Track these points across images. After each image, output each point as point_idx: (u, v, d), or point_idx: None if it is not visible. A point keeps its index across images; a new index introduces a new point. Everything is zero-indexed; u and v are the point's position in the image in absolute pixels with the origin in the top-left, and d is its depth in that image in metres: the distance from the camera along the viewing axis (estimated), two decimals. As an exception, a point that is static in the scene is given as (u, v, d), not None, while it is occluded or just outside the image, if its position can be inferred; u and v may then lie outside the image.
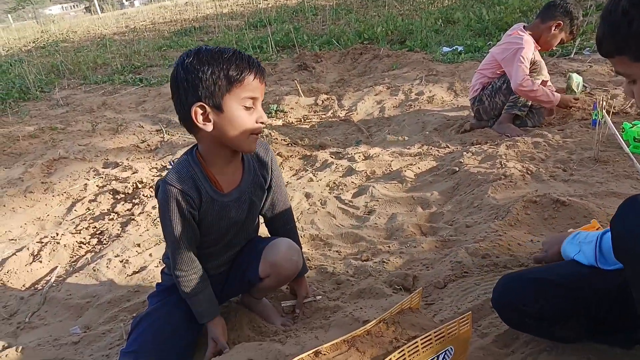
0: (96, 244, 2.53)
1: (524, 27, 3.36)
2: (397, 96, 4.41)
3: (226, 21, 10.37)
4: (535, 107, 3.40)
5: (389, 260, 2.02)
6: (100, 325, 1.85)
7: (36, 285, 2.23)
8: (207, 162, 1.50)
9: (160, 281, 1.74)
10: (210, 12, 12.80)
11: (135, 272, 2.18)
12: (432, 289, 1.77)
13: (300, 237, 2.27)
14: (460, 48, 5.65)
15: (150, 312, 1.58)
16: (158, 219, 2.64)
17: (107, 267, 2.23)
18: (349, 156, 3.33)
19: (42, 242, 2.52)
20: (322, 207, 2.64)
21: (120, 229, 2.61)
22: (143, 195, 2.92)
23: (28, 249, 2.47)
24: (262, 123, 1.46)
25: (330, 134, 3.88)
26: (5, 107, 5.47)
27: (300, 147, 3.62)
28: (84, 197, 3.03)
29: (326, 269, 2.03)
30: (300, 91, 4.81)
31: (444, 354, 1.19)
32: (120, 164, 3.47)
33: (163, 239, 2.42)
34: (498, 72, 3.40)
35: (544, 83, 3.50)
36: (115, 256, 2.31)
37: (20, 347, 1.70)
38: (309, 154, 3.51)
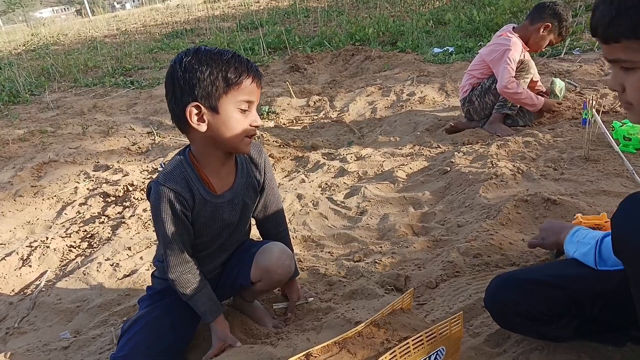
0: (86, 248, 2.50)
1: (513, 28, 3.37)
2: (388, 97, 4.41)
3: (218, 23, 10.36)
4: (525, 106, 3.42)
5: (381, 260, 2.02)
6: (90, 329, 1.83)
7: (25, 290, 2.20)
8: (199, 163, 1.49)
9: (150, 284, 1.73)
10: (201, 15, 12.77)
11: (126, 276, 2.16)
12: (424, 289, 1.77)
13: (292, 239, 2.26)
14: (451, 49, 5.67)
15: (140, 316, 1.57)
16: (149, 222, 2.63)
17: (98, 270, 2.21)
18: (340, 157, 3.33)
19: (32, 246, 2.49)
20: (314, 208, 2.64)
21: (111, 232, 2.59)
22: (134, 198, 2.91)
23: (17, 253, 2.44)
24: (256, 126, 1.45)
25: (322, 135, 3.88)
26: (-6, 111, 5.43)
27: (292, 148, 3.62)
28: (74, 201, 3.01)
29: (318, 270, 2.02)
30: (292, 92, 4.81)
31: (435, 354, 1.19)
32: (111, 166, 3.45)
33: (154, 242, 2.40)
34: (487, 73, 3.42)
35: (534, 83, 3.52)
36: (106, 260, 2.29)
37: (9, 353, 1.69)
38: (300, 155, 3.50)
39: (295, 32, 7.93)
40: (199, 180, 1.48)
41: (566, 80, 4.13)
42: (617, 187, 2.32)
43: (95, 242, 2.53)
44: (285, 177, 3.24)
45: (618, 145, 2.64)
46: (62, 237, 2.58)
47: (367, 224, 2.42)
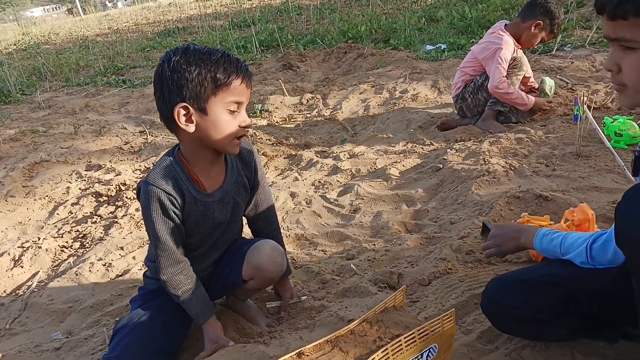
0: (79, 248, 2.49)
1: (505, 25, 3.38)
2: (381, 94, 4.41)
3: (210, 21, 10.31)
4: (518, 104, 3.43)
5: (374, 258, 2.02)
6: (82, 330, 1.82)
7: (17, 291, 2.19)
8: (189, 162, 1.48)
9: (142, 285, 1.72)
10: (194, 13, 12.72)
11: (118, 276, 2.15)
12: (417, 287, 1.77)
13: (285, 237, 2.27)
14: (443, 46, 5.68)
15: (132, 316, 1.56)
16: (142, 222, 2.61)
17: (90, 271, 2.20)
18: (334, 155, 3.32)
19: (24, 247, 2.48)
20: (308, 207, 2.63)
21: (103, 232, 2.57)
22: (126, 197, 2.89)
23: (9, 254, 2.43)
24: (245, 127, 1.44)
25: (315, 133, 3.87)
26: (-15, 111, 5.38)
27: (285, 146, 3.61)
28: (66, 201, 2.99)
29: (311, 268, 2.02)
30: (285, 90, 4.80)
31: (427, 351, 1.19)
32: (103, 166, 3.43)
33: (147, 242, 2.39)
34: (479, 70, 3.43)
35: (526, 79, 3.54)
36: (98, 260, 2.28)
37: (0, 355, 1.67)
38: (294, 153, 3.50)
39: (287, 30, 7.91)
40: (189, 179, 1.47)
41: (557, 76, 4.15)
42: (609, 183, 2.33)
43: (88, 242, 2.51)
44: (278, 175, 3.23)
45: (609, 141, 2.66)
46: (54, 238, 2.57)
47: (361, 222, 2.42)
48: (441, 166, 2.82)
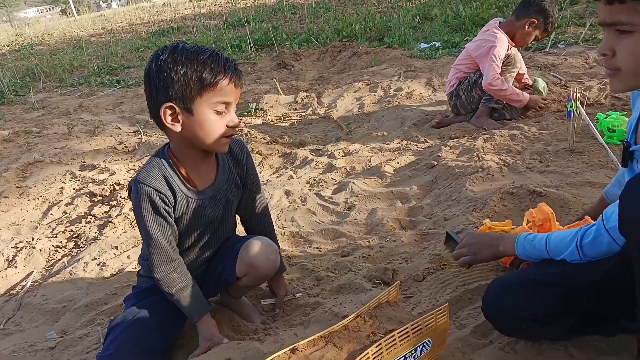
0: (73, 248, 2.48)
1: (499, 23, 3.39)
2: (376, 92, 4.41)
3: (204, 21, 10.30)
4: (512, 100, 3.44)
5: (368, 255, 2.02)
6: (77, 329, 1.81)
7: (11, 291, 2.18)
8: (179, 159, 1.48)
9: (136, 283, 1.72)
10: (188, 13, 12.69)
11: (112, 275, 2.15)
12: (411, 282, 1.77)
13: (280, 235, 2.27)
14: (437, 44, 5.69)
15: (126, 314, 1.55)
16: (136, 221, 2.61)
17: (84, 270, 2.20)
18: (328, 153, 3.32)
19: (17, 247, 2.47)
20: (303, 204, 2.63)
21: (98, 231, 2.57)
22: (120, 197, 2.88)
23: (3, 254, 2.42)
24: (233, 127, 1.43)
25: (310, 131, 3.87)
26: (-22, 112, 5.36)
27: (280, 145, 3.61)
28: (60, 201, 2.98)
29: (306, 265, 2.02)
30: (280, 89, 4.80)
31: (421, 346, 1.20)
32: (97, 166, 3.42)
33: (141, 241, 2.38)
34: (473, 67, 3.43)
35: (520, 75, 3.54)
36: (93, 259, 2.27)
37: (-6, 355, 1.67)
38: (288, 151, 3.50)
39: (282, 29, 7.91)
40: (179, 177, 1.47)
41: (551, 73, 4.17)
42: (602, 179, 2.34)
43: (82, 242, 2.51)
44: (273, 173, 3.23)
45: (602, 137, 2.67)
46: (48, 238, 2.56)
47: (355, 219, 2.42)
48: (435, 163, 2.83)
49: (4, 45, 11.86)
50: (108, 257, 2.29)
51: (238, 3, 12.59)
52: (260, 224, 1.75)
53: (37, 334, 1.84)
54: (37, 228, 2.74)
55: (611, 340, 1.35)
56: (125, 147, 3.82)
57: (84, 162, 3.56)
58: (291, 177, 3.04)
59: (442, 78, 4.40)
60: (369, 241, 2.17)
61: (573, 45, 4.94)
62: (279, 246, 1.74)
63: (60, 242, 2.54)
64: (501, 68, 3.26)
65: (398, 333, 1.13)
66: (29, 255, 2.40)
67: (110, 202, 2.87)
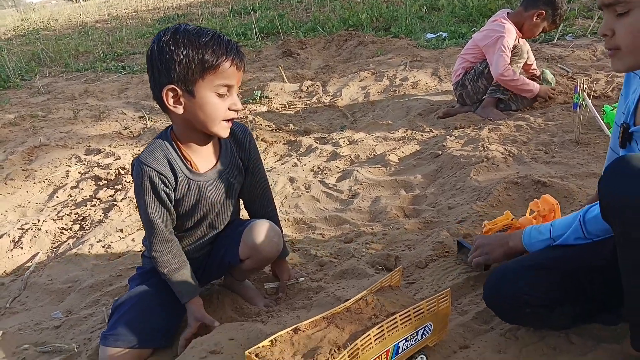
0: (78, 230, 2.50)
1: (507, 14, 3.36)
2: (381, 82, 4.40)
3: (210, 8, 10.25)
4: (517, 91, 3.43)
5: (371, 241, 2.03)
6: (82, 309, 1.83)
7: (17, 272, 2.20)
8: (181, 141, 1.48)
9: (141, 264, 1.73)
10: (194, 0, 12.64)
11: (117, 257, 2.17)
12: (414, 269, 1.78)
13: (284, 221, 2.28)
14: (444, 34, 5.66)
15: (130, 295, 1.57)
16: (135, 199, 2.62)
17: (89, 252, 2.21)
18: (333, 141, 3.32)
19: (23, 229, 2.48)
20: (306, 191, 2.64)
21: (103, 214, 2.58)
22: (125, 181, 2.89)
23: (9, 235, 2.43)
24: (235, 110, 1.43)
25: (314, 119, 3.87)
26: (-16, 96, 5.37)
27: (285, 132, 3.61)
28: (66, 184, 2.99)
29: (309, 251, 2.03)
30: (285, 77, 4.79)
31: (423, 330, 1.21)
32: (103, 150, 3.43)
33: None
34: (480, 57, 3.42)
35: (527, 66, 3.53)
36: (98, 241, 2.29)
37: (0, 332, 1.68)
38: (293, 139, 3.50)
39: (288, 17, 7.87)
40: (181, 158, 1.47)
41: (558, 65, 4.14)
42: (607, 170, 2.33)
43: (87, 225, 2.52)
44: (277, 161, 3.23)
45: (609, 129, 2.66)
46: (53, 220, 2.57)
47: (359, 207, 2.43)
48: (440, 152, 2.83)
49: (10, 30, 11.86)
50: (113, 239, 2.30)
51: (244, -9, 12.52)
52: (263, 209, 1.75)
53: (42, 313, 1.85)
54: (42, 210, 2.76)
55: (612, 328, 1.35)
56: (131, 132, 3.83)
57: (89, 146, 3.57)
58: (295, 165, 3.04)
59: (449, 68, 4.38)
60: (372, 228, 2.17)
61: (581, 37, 4.91)
62: (282, 230, 1.75)
63: (66, 224, 2.56)
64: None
65: (400, 316, 1.14)
66: (35, 237, 2.42)
67: (116, 186, 2.88)
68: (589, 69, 3.96)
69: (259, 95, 4.38)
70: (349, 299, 1.40)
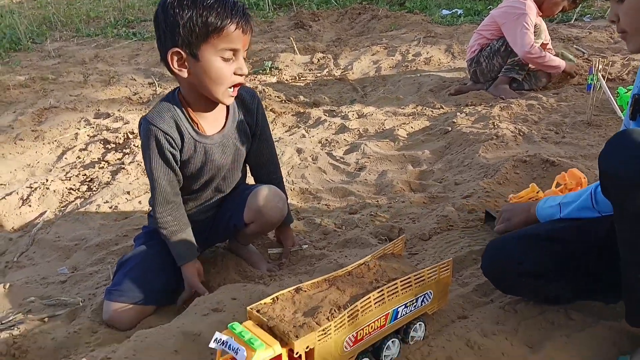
0: (86, 191, 2.52)
1: None
2: (394, 57, 4.35)
3: (224, -23, 10.09)
4: (533, 71, 3.38)
5: (376, 213, 2.04)
6: (87, 266, 1.86)
7: (25, 228, 2.23)
8: (189, 104, 1.48)
9: (147, 224, 1.75)
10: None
11: (124, 218, 2.19)
12: (417, 241, 1.79)
13: (290, 190, 2.28)
14: (459, 11, 5.57)
15: (135, 252, 1.59)
16: (142, 158, 2.64)
17: (96, 212, 2.24)
18: (342, 114, 3.31)
19: (32, 187, 2.51)
20: (313, 163, 2.64)
21: (110, 177, 2.60)
22: (134, 145, 2.90)
23: (17, 193, 2.46)
24: (240, 75, 1.41)
25: (324, 92, 3.84)
26: (-5, 57, 5.37)
27: (294, 104, 3.59)
28: (75, 146, 3.01)
29: (314, 220, 2.04)
30: (296, 49, 4.74)
31: (423, 297, 1.22)
32: (112, 114, 3.44)
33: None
34: (497, 34, 3.36)
35: (543, 45, 3.46)
36: (105, 202, 2.31)
37: (7, 285, 1.71)
38: (302, 111, 3.48)
39: (302, -11, 7.75)
40: (188, 120, 1.47)
41: (574, 46, 4.07)
42: (617, 152, 2.31)
43: (95, 186, 2.54)
44: (285, 132, 3.23)
45: (622, 112, 2.63)
46: (61, 180, 2.59)
47: (365, 180, 2.43)
48: (450, 129, 2.81)
49: (22, -7, 11.76)
50: (120, 201, 2.32)
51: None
52: (269, 175, 1.76)
53: (49, 269, 1.89)
54: (51, 171, 2.78)
55: (612, 306, 1.36)
56: (140, 97, 3.83)
57: (98, 110, 3.58)
58: (303, 136, 3.03)
59: (463, 45, 4.32)
60: (377, 201, 2.18)
61: (599, 19, 4.81)
62: (287, 197, 1.75)
63: (74, 185, 2.58)
64: None
65: (400, 282, 1.14)
66: (43, 196, 2.45)
67: (124, 150, 2.89)
68: (605, 51, 3.89)
69: (270, 66, 4.35)
70: (351, 265, 1.41)
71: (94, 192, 2.47)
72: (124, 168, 2.64)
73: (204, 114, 1.51)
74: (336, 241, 1.85)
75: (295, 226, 1.96)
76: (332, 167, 2.60)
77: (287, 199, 1.73)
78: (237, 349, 0.94)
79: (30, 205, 2.37)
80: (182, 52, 1.35)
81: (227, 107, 1.56)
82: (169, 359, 1.20)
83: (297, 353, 0.96)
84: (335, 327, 1.01)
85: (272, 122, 3.30)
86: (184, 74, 1.38)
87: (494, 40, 3.35)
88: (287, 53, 4.67)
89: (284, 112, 3.46)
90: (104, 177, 2.60)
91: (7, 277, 1.85)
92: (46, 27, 7.07)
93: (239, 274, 1.68)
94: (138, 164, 2.67)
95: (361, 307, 1.05)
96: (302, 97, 3.69)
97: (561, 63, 3.30)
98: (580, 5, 4.27)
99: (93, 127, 3.25)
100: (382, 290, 1.10)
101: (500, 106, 2.97)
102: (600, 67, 2.69)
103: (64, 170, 2.75)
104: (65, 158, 2.89)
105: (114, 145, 2.97)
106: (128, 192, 2.39)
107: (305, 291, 1.12)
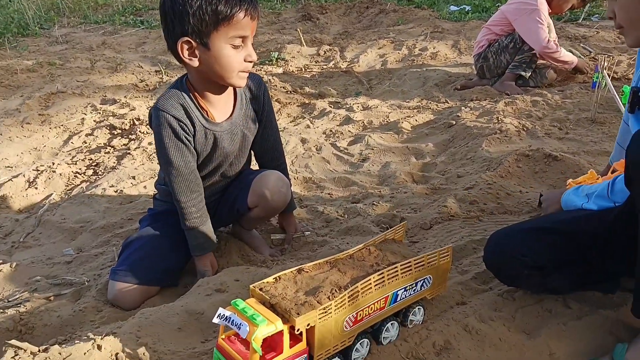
0: (91, 175, 2.55)
1: None
2: (400, 51, 4.36)
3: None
4: (539, 68, 3.39)
5: (378, 203, 2.06)
6: (93, 248, 1.88)
7: (31, 209, 2.26)
8: (197, 91, 1.49)
9: (152, 207, 1.77)
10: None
11: (129, 202, 2.21)
12: (418, 230, 1.81)
13: (293, 179, 2.31)
14: (468, 7, 5.56)
15: (141, 234, 1.62)
16: (153, 154, 2.66)
17: (102, 196, 2.26)
18: (347, 106, 3.32)
19: (38, 170, 2.53)
20: (317, 153, 2.66)
21: (116, 161, 2.62)
22: (140, 131, 2.93)
23: (24, 175, 2.49)
24: (250, 61, 1.43)
25: (330, 84, 3.86)
26: (3, 41, 5.38)
27: (300, 95, 3.61)
28: (81, 131, 3.03)
29: (317, 208, 2.06)
30: (303, 41, 4.75)
31: (422, 281, 1.24)
32: (118, 101, 3.46)
33: (157, 174, 2.43)
34: (507, 30, 3.36)
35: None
36: (110, 186, 2.34)
37: (14, 264, 1.74)
38: (307, 102, 3.50)
39: (310, -18, 7.74)
40: (197, 107, 1.49)
41: (581, 45, 4.07)
42: (620, 149, 2.32)
43: (100, 170, 2.57)
44: (290, 122, 3.24)
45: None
46: (68, 164, 2.62)
47: (368, 170, 2.44)
48: (454, 123, 2.82)
49: (30, -21, 11.78)
50: (125, 185, 2.35)
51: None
52: (274, 161, 1.78)
53: (54, 249, 1.91)
54: (57, 154, 2.81)
55: (610, 296, 1.37)
56: (147, 85, 3.85)
57: (105, 96, 3.60)
58: (308, 127, 3.05)
59: (470, 41, 4.32)
60: (380, 191, 2.20)
61: (606, 19, 4.79)
62: (291, 184, 1.77)
63: (80, 169, 2.60)
64: None
65: (400, 265, 1.16)
66: (49, 179, 2.47)
67: (130, 136, 2.92)
68: (612, 51, 3.89)
69: (276, 57, 4.36)
70: (353, 251, 1.43)
71: (100, 176, 2.50)
72: (129, 153, 2.66)
73: (213, 102, 1.52)
74: (338, 229, 1.87)
75: (298, 213, 1.99)
76: (335, 158, 2.62)
77: (290, 184, 1.75)
78: (240, 324, 0.96)
79: (36, 188, 2.39)
80: (192, 41, 1.35)
81: (235, 94, 1.58)
82: (172, 336, 1.22)
83: (298, 330, 0.98)
84: (335, 306, 1.03)
85: (277, 113, 3.32)
86: (195, 63, 1.39)
87: (503, 37, 3.36)
88: (294, 45, 4.68)
89: (289, 103, 3.47)
90: (110, 162, 2.63)
91: (13, 256, 1.88)
92: (54, 13, 7.09)
93: (242, 258, 1.70)
94: (143, 150, 2.70)
95: (361, 289, 1.07)
96: (307, 89, 3.71)
97: (574, 59, 3.33)
98: (589, 4, 4.26)
99: (99, 113, 3.27)
100: (382, 273, 1.12)
101: (505, 101, 2.98)
102: (605, 65, 2.70)
103: (70, 154, 2.78)
104: (72, 142, 2.91)
105: (120, 131, 2.99)
106: (133, 177, 2.42)
107: (307, 272, 1.14)
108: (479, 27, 4.17)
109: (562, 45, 3.66)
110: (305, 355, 1.04)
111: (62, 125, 3.12)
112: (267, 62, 4.29)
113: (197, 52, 1.38)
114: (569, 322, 1.27)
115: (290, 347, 1.00)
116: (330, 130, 2.98)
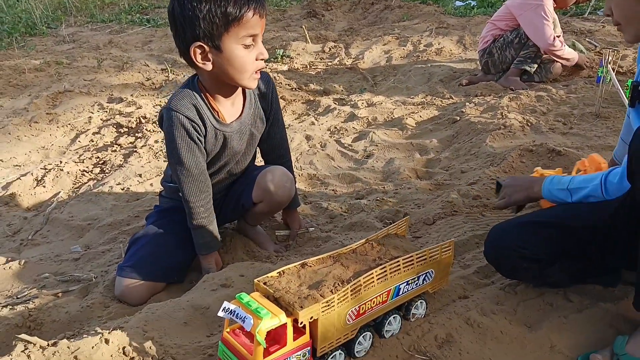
0: (98, 173, 2.58)
1: None
2: (405, 47, 4.36)
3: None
4: (544, 63, 3.38)
5: (382, 199, 2.07)
6: (100, 245, 1.91)
7: (39, 207, 2.29)
8: (209, 92, 1.50)
9: (158, 204, 1.79)
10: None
11: (136, 199, 2.24)
12: (421, 225, 1.82)
13: (298, 176, 2.32)
14: (473, 3, 5.55)
15: (147, 231, 1.64)
16: (160, 152, 2.69)
17: (109, 193, 2.29)
18: (352, 103, 3.33)
19: (46, 169, 2.57)
20: (322, 149, 2.67)
21: (123, 160, 2.65)
22: (146, 129, 2.95)
23: (32, 174, 2.52)
24: (262, 60, 1.44)
25: (335, 80, 3.87)
26: (11, 41, 5.43)
27: (304, 92, 3.62)
28: (88, 130, 3.06)
29: (321, 204, 2.08)
30: (308, 38, 4.76)
31: (424, 275, 1.25)
32: (125, 99, 3.49)
33: (164, 172, 2.46)
34: (512, 25, 3.36)
35: (555, 38, 3.46)
36: (117, 184, 2.36)
37: (23, 261, 1.77)
38: (312, 99, 3.51)
39: (315, -21, 7.74)
40: (209, 108, 1.50)
41: (587, 39, 4.05)
42: (624, 144, 2.32)
43: (107, 168, 2.60)
44: (295, 119, 3.26)
45: (631, 104, 2.62)
46: (75, 162, 2.65)
47: (373, 167, 2.46)
48: (458, 118, 2.83)
49: (37, -21, 11.85)
50: (132, 183, 2.37)
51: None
52: (280, 158, 1.79)
53: (62, 247, 1.94)
54: (65, 153, 2.84)
55: (611, 290, 1.38)
56: (153, 83, 3.87)
57: (112, 94, 3.63)
58: (313, 124, 3.06)
59: (475, 37, 4.31)
60: (384, 187, 2.21)
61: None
62: (295, 181, 1.79)
63: (87, 167, 2.63)
64: None
65: (403, 259, 1.18)
66: (57, 177, 2.50)
67: (136, 134, 2.94)
68: (618, 45, 3.87)
69: (281, 54, 4.37)
70: (356, 246, 1.45)
71: (107, 174, 2.52)
72: (136, 151, 2.69)
73: (224, 102, 1.53)
74: (342, 224, 1.89)
75: (303, 210, 2.00)
76: (340, 154, 2.64)
77: (295, 181, 1.77)
78: (245, 317, 0.98)
79: (44, 186, 2.42)
80: (205, 45, 1.36)
81: (244, 94, 1.59)
82: (178, 330, 1.25)
83: (301, 323, 1.00)
84: (338, 300, 1.04)
85: (282, 110, 3.32)
86: (208, 66, 1.40)
87: (508, 32, 3.35)
88: (299, 41, 4.69)
89: (294, 100, 3.49)
90: (117, 160, 2.65)
91: (22, 254, 1.91)
92: (61, 12, 7.13)
93: (247, 254, 1.72)
94: (150, 148, 2.72)
95: (364, 282, 1.09)
96: (312, 85, 3.72)
97: (575, 56, 3.33)
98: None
99: (106, 111, 3.30)
100: (384, 267, 1.14)
101: (509, 97, 2.98)
102: (610, 59, 2.69)
103: (77, 152, 2.81)
104: (79, 141, 2.94)
105: (126, 130, 3.02)
106: (140, 175, 2.44)
107: (310, 266, 1.16)
108: (484, 22, 4.15)
109: (566, 39, 3.66)
110: (309, 348, 1.05)
111: (69, 123, 3.15)
112: (272, 59, 4.30)
113: (210, 55, 1.39)
114: (570, 315, 1.29)
115: (294, 339, 1.02)
116: (335, 127, 2.99)
